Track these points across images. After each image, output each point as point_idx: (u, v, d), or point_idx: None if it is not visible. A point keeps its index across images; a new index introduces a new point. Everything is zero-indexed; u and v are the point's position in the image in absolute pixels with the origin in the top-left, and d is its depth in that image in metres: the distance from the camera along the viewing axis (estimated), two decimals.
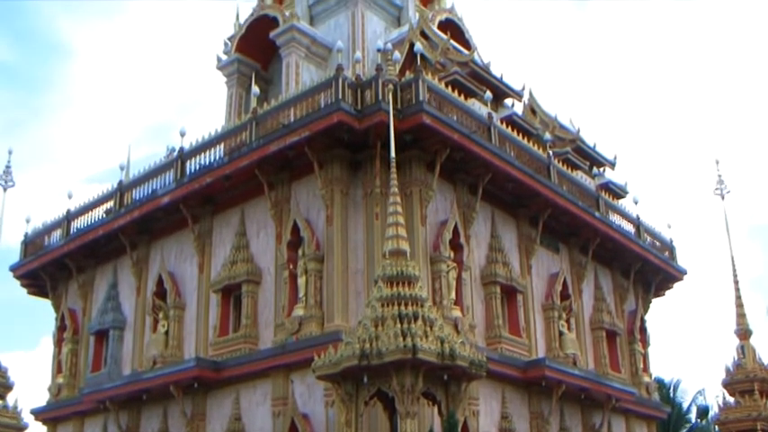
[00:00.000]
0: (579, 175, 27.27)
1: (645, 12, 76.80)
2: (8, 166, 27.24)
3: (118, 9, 77.87)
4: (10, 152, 27.61)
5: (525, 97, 28.82)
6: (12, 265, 28.88)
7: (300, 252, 20.82)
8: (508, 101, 28.09)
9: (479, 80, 25.40)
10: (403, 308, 15.70)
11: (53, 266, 27.91)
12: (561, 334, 24.43)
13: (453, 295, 20.69)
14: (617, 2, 79.78)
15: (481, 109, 23.38)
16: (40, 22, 76.15)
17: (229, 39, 30.53)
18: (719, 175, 27.77)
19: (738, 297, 28.55)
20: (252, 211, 22.75)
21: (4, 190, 27.40)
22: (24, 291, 29.83)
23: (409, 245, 16.88)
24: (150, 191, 24.53)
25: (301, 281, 20.56)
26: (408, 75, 21.07)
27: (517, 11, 79.35)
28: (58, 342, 27.87)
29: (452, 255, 21.12)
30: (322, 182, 20.53)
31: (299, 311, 20.21)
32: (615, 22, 78.58)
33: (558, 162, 25.89)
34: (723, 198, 29.75)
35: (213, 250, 23.58)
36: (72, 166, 76.15)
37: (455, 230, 21.33)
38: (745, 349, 28.19)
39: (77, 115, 76.29)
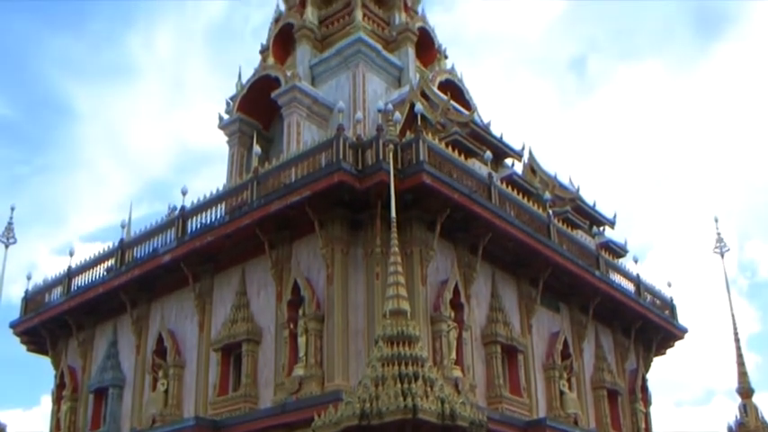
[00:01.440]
0: (579, 234, 27.36)
1: (644, 72, 77.54)
2: (10, 223, 27.24)
3: (121, 69, 78.58)
4: (12, 209, 27.66)
5: (525, 157, 29.05)
6: (12, 321, 28.87)
7: (301, 311, 20.84)
8: (508, 160, 28.30)
9: (479, 140, 25.62)
10: (403, 368, 15.64)
11: (53, 324, 27.89)
12: (562, 393, 24.33)
13: (454, 355, 20.66)
14: (616, 62, 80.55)
15: (481, 169, 23.56)
16: (43, 81, 76.78)
17: (231, 98, 30.86)
18: (719, 233, 27.76)
19: (740, 355, 28.40)
20: (252, 270, 22.80)
21: (6, 247, 27.36)
22: (24, 348, 29.78)
23: (410, 304, 16.86)
24: (151, 249, 24.62)
25: (302, 340, 20.55)
26: (409, 135, 21.26)
27: (516, 72, 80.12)
28: (57, 400, 27.74)
29: (453, 314, 21.13)
30: (323, 241, 20.63)
31: (299, 371, 20.17)
32: (614, 82, 79.28)
33: (558, 221, 26.00)
34: (723, 256, 29.70)
35: (213, 309, 23.59)
36: (73, 224, 76.26)
37: (456, 290, 21.37)
38: (747, 408, 28.00)
39: (79, 173, 76.63)
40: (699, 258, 71.60)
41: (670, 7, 75.72)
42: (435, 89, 28.29)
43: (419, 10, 34.18)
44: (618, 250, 29.97)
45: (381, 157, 20.02)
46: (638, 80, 77.19)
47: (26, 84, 76.59)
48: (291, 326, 20.96)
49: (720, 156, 77.54)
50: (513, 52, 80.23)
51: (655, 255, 69.80)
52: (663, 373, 64.16)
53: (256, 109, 30.13)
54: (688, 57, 79.76)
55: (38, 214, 74.14)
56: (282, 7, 33.86)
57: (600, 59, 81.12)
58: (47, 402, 55.27)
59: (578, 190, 29.05)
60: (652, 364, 30.62)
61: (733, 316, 27.27)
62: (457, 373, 20.41)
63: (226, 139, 30.53)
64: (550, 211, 25.42)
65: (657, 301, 30.12)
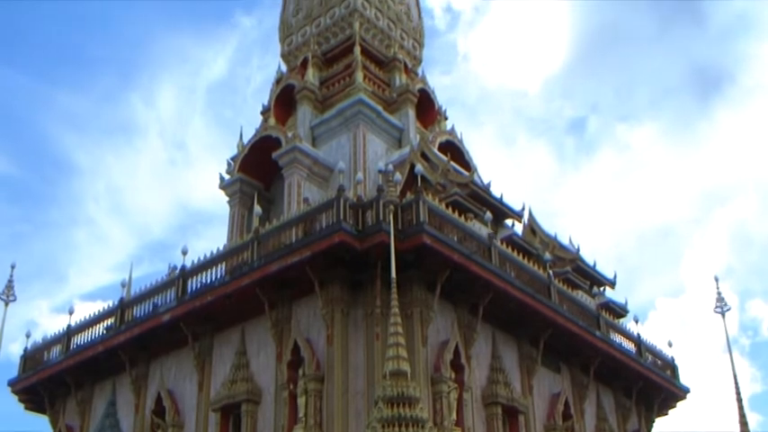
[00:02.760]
0: (579, 295, 27.36)
1: (644, 133, 78.08)
2: (10, 281, 27.22)
3: (123, 127, 79.21)
4: (12, 266, 27.66)
5: (525, 217, 29.17)
6: (10, 379, 28.71)
7: (301, 372, 20.77)
8: (508, 221, 28.41)
9: (479, 201, 25.75)
10: (404, 429, 15.62)
11: (52, 382, 27.74)
12: None
13: (454, 416, 20.54)
14: (615, 123, 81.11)
15: (481, 229, 23.65)
16: (45, 138, 77.39)
17: (232, 158, 31.07)
18: (719, 293, 27.74)
19: (742, 415, 28.20)
20: (252, 330, 22.77)
21: (6, 304, 27.33)
22: (22, 406, 29.57)
23: (410, 365, 16.87)
24: (151, 308, 24.60)
25: (301, 401, 20.45)
26: (409, 196, 21.39)
27: (516, 132, 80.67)
28: None
29: (453, 375, 21.05)
30: (323, 302, 20.64)
31: None
32: (614, 142, 79.81)
33: (559, 282, 26.01)
34: (723, 316, 29.64)
35: (213, 368, 23.50)
36: (74, 282, 76.18)
37: (456, 351, 21.33)
38: None
39: (80, 230, 76.76)
40: (700, 318, 71.41)
41: (669, 67, 76.56)
42: (435, 150, 28.52)
43: (419, 72, 34.63)
44: (618, 310, 29.94)
45: (382, 217, 20.14)
46: (637, 140, 77.73)
47: (28, 141, 77.20)
48: (291, 386, 20.88)
49: (721, 215, 77.77)
50: (512, 113, 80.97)
51: (656, 315, 69.65)
52: None
53: (257, 169, 30.32)
54: (687, 117, 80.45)
55: (38, 272, 74.16)
56: (284, 68, 34.31)
57: (599, 120, 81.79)
58: None
59: (578, 250, 29.12)
60: (654, 424, 30.39)
61: (735, 376, 27.13)
62: None
63: (227, 199, 30.69)
64: (551, 272, 25.45)
65: (659, 362, 30.00)
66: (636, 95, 79.43)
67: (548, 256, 26.22)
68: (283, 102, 32.24)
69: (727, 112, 79.06)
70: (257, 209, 23.96)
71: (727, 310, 28.95)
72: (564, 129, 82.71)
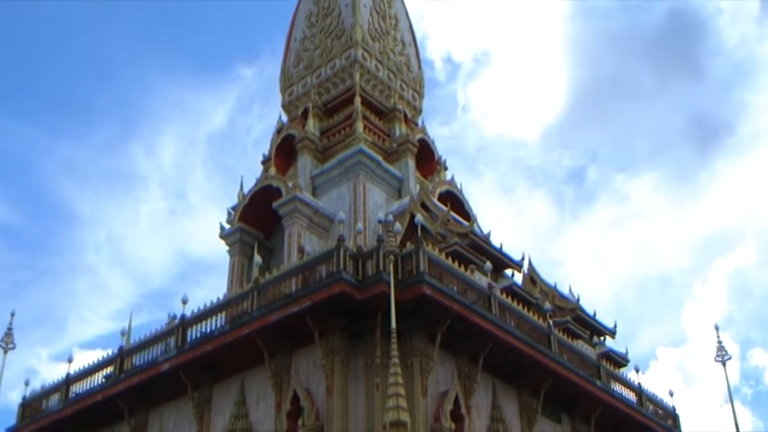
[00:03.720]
0: (580, 345, 27.31)
1: (643, 183, 78.40)
2: (9, 328, 27.24)
3: (123, 176, 79.53)
4: (12, 314, 27.68)
5: (525, 267, 29.23)
6: (9, 428, 28.49)
7: (300, 422, 20.67)
8: (508, 271, 28.43)
9: (479, 251, 25.82)
10: None
11: (50, 431, 27.57)
12: None
13: None
14: (614, 173, 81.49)
15: (481, 279, 23.69)
16: (46, 186, 77.73)
17: (233, 208, 31.20)
18: (720, 342, 27.75)
19: None
20: (252, 380, 22.70)
21: (5, 352, 27.32)
22: None
23: (410, 416, 16.82)
24: (151, 357, 24.54)
25: None
26: (409, 246, 21.46)
27: (515, 182, 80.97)
28: None
29: (453, 426, 20.93)
30: (322, 351, 20.61)
31: None
32: (613, 192, 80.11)
33: (559, 331, 25.98)
34: (724, 365, 29.60)
35: (212, 418, 23.38)
36: (73, 330, 76.00)
37: (456, 401, 21.24)
38: None
39: (80, 279, 76.76)
40: (701, 367, 71.20)
41: (668, 118, 77.05)
42: (435, 200, 28.66)
43: (419, 122, 34.93)
44: (619, 360, 29.87)
45: (382, 267, 20.19)
46: (637, 191, 78.00)
47: (29, 189, 77.50)
48: None
49: (721, 264, 77.82)
50: (511, 163, 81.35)
51: (656, 364, 69.44)
52: None
53: (257, 219, 30.44)
54: (686, 168, 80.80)
55: (37, 320, 74.02)
56: (284, 118, 34.60)
57: (598, 170, 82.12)
58: None
59: (578, 300, 29.15)
60: None
61: (737, 426, 27.02)
62: None
63: (227, 248, 30.76)
64: (551, 322, 25.44)
65: (660, 411, 29.85)
66: (635, 146, 79.93)
67: (548, 305, 26.24)
68: (284, 152, 32.47)
69: (726, 162, 79.53)
70: (257, 258, 24.02)
71: (728, 359, 28.92)
72: (563, 179, 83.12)
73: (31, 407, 28.44)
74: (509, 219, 70.77)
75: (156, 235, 79.90)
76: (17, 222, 77.14)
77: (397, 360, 17.02)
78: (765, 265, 75.90)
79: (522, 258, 28.90)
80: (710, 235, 77.77)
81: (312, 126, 32.31)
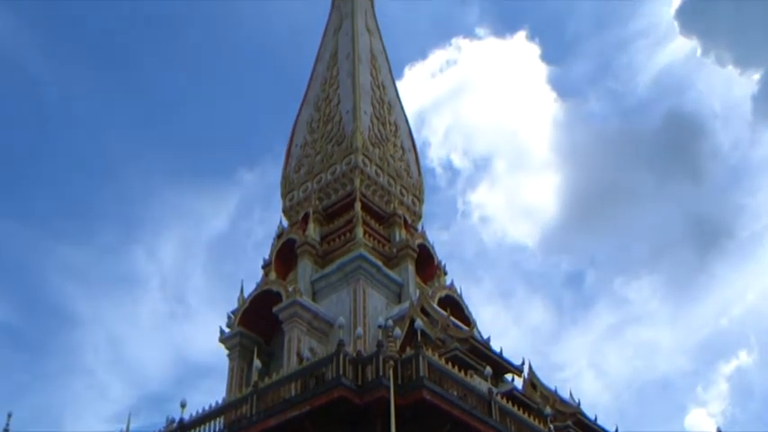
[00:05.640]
0: None
1: (642, 286, 78.48)
2: (6, 429, 27.05)
3: (124, 278, 79.54)
4: (9, 415, 27.51)
5: (525, 372, 29.00)
6: None
7: None
8: (508, 375, 28.28)
9: (479, 356, 25.75)
10: None
11: None
12: None
13: None
14: (613, 277, 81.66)
15: (482, 384, 23.56)
16: (47, 288, 77.57)
17: (233, 312, 31.20)
18: None
19: None
20: None
21: None
22: None
23: None
24: None
25: None
26: (409, 351, 21.46)
27: (514, 286, 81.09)
28: None
29: None
30: None
31: None
32: (612, 295, 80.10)
33: None
34: None
35: None
36: None
37: None
38: None
39: (78, 380, 76.10)
40: None
41: (667, 222, 77.34)
42: (435, 305, 28.67)
43: (419, 227, 35.19)
44: None
45: (381, 372, 20.16)
46: (635, 294, 77.96)
47: (30, 290, 77.36)
48: None
49: (722, 367, 77.39)
50: (510, 267, 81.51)
51: None
52: None
53: (257, 323, 30.40)
54: (686, 271, 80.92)
55: (35, 421, 72.75)
56: (285, 223, 34.87)
57: (597, 274, 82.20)
58: None
59: (579, 404, 28.88)
60: None
61: None
62: None
63: (226, 352, 30.64)
64: (551, 426, 25.20)
65: None
66: (633, 249, 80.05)
67: (548, 410, 26.01)
68: (284, 256, 32.62)
69: (726, 264, 79.60)
70: (257, 363, 23.97)
71: None
72: (562, 283, 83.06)
73: None
74: (509, 323, 70.54)
75: (155, 338, 79.50)
76: (17, 323, 76.85)
77: None
78: (766, 367, 75.39)
79: (522, 363, 28.77)
80: (711, 338, 77.41)
81: (312, 231, 32.55)
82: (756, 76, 77.40)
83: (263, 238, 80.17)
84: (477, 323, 30.63)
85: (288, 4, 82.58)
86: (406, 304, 29.29)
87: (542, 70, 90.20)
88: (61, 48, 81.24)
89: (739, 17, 71.53)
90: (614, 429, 30.31)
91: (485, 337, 28.63)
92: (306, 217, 33.67)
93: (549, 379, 29.77)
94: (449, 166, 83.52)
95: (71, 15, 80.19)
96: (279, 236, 33.90)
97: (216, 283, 77.76)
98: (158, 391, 76.27)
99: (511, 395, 25.84)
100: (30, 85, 79.43)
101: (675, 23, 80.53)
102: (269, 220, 61.60)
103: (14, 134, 78.55)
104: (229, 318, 31.27)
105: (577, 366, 72.95)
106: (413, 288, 30.96)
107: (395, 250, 32.19)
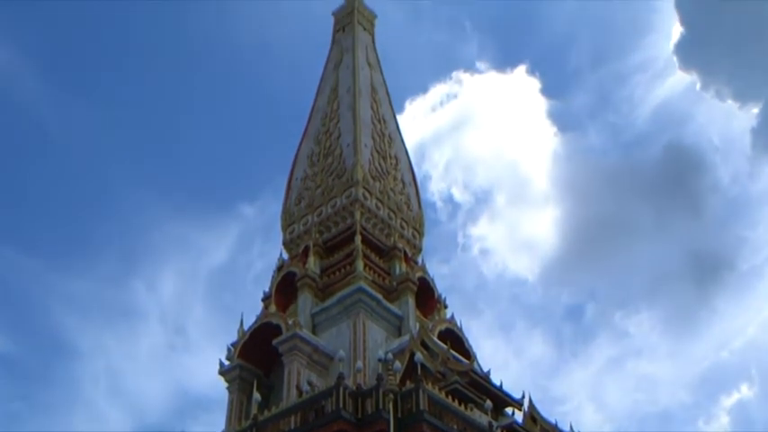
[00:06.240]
0: None
1: (642, 321, 78.38)
2: None
3: (124, 310, 79.63)
4: None
5: (525, 405, 28.90)
6: None
7: None
8: (509, 409, 28.17)
9: (480, 389, 25.69)
10: None
11: None
12: None
13: None
14: (613, 311, 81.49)
15: (482, 418, 23.51)
16: (47, 319, 77.46)
17: (233, 344, 31.14)
18: None
19: None
20: None
21: None
22: None
23: None
24: None
25: None
26: (409, 384, 21.44)
27: (514, 320, 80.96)
28: None
29: None
30: None
31: None
32: (612, 329, 79.95)
33: None
34: None
35: None
36: None
37: None
38: None
39: (77, 412, 75.74)
40: None
41: (667, 256, 77.29)
42: (435, 338, 28.65)
43: (419, 260, 35.19)
44: None
45: (381, 406, 20.14)
46: (636, 327, 77.81)
47: (30, 321, 77.33)
48: None
49: (723, 400, 77.11)
50: (510, 300, 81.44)
51: None
52: None
53: (257, 355, 30.34)
54: (686, 304, 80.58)
55: None
56: (285, 256, 34.89)
57: (597, 307, 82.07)
58: None
59: None
60: None
61: None
62: None
63: (226, 384, 30.55)
64: None
65: None
66: (633, 283, 79.97)
67: None
68: (284, 289, 32.62)
69: (726, 297, 79.47)
70: (256, 395, 23.92)
71: None
72: (562, 316, 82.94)
73: None
74: (509, 356, 70.28)
75: (154, 370, 79.27)
76: (16, 353, 76.67)
77: None
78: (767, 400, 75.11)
79: (523, 396, 28.67)
80: (712, 371, 77.14)
81: (313, 264, 32.57)
82: (755, 110, 77.55)
83: (262, 271, 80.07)
84: (478, 356, 30.60)
85: (289, 39, 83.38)
86: (406, 337, 29.27)
87: (542, 104, 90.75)
88: (62, 79, 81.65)
89: (738, 52, 71.96)
90: None
91: (485, 370, 28.61)
92: (306, 250, 33.71)
93: (549, 412, 29.70)
94: (449, 200, 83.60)
95: (71, 47, 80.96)
96: (279, 268, 33.92)
97: (216, 315, 77.66)
98: (158, 422, 75.82)
99: (511, 429, 25.79)
100: (30, 115, 79.80)
101: (674, 58, 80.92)
102: (269, 254, 61.70)
103: (15, 165, 78.81)
104: (229, 350, 31.21)
105: (578, 399, 72.72)
106: (413, 321, 30.93)
107: (395, 283, 32.19)
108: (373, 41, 42.88)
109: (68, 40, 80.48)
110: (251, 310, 32.60)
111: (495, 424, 23.76)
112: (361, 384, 21.79)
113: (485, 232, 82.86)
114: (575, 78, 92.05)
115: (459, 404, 22.66)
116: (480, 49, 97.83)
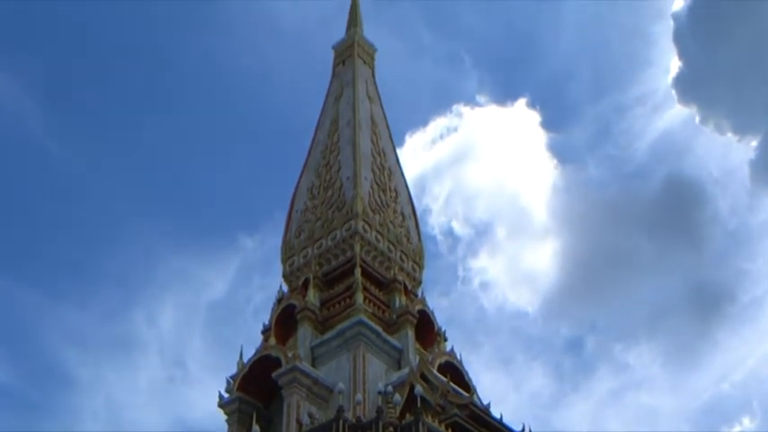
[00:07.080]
0: None
1: (642, 353, 78.22)
2: None
3: (123, 342, 79.39)
4: None
5: None
6: None
7: None
8: None
9: (480, 422, 25.64)
10: None
11: None
12: None
13: None
14: (613, 344, 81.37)
15: None
16: (45, 350, 77.32)
17: (232, 377, 31.12)
18: None
19: None
20: None
21: None
22: None
23: None
24: None
25: None
26: (409, 417, 21.44)
27: (514, 352, 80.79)
28: None
29: None
30: None
31: None
32: (612, 362, 79.83)
33: None
34: None
35: None
36: None
37: None
38: None
39: None
40: None
41: (667, 288, 77.20)
42: (435, 371, 28.59)
43: (419, 293, 35.22)
44: None
45: None
46: (636, 360, 77.62)
47: (28, 352, 77.01)
48: None
49: None
50: (510, 333, 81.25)
51: None
52: None
53: (257, 388, 30.32)
54: (686, 337, 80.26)
55: None
56: (285, 288, 34.91)
57: (597, 340, 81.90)
58: None
59: None
60: None
61: None
62: None
63: (225, 417, 30.51)
64: None
65: None
66: (634, 315, 79.76)
67: None
68: (284, 321, 32.62)
69: (727, 330, 79.18)
70: (255, 428, 23.91)
71: None
72: (562, 348, 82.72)
73: None
74: (509, 389, 70.02)
75: (153, 402, 78.85)
76: (15, 385, 76.37)
77: None
78: None
79: (523, 429, 28.46)
80: (713, 403, 76.77)
81: (312, 296, 32.59)
82: (754, 143, 77.71)
83: (262, 304, 79.91)
84: (478, 389, 30.53)
85: (288, 73, 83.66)
86: (405, 370, 29.23)
87: (542, 137, 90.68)
88: (64, 111, 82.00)
89: (736, 85, 72.31)
90: None
91: (485, 403, 28.54)
92: (306, 282, 33.74)
93: None
94: (449, 233, 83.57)
95: (73, 80, 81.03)
96: (279, 301, 33.94)
97: (215, 347, 77.41)
98: None
99: None
100: (30, 147, 79.92)
101: (673, 91, 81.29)
102: (268, 286, 61.35)
103: (14, 195, 78.97)
104: (228, 383, 31.18)
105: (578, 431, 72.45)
106: (412, 354, 30.90)
107: (395, 316, 32.19)
108: (373, 75, 43.11)
109: (67, 71, 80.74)
110: (250, 343, 32.61)
111: None
112: (360, 417, 21.76)
113: (485, 265, 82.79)
114: (574, 111, 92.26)
115: None
116: (480, 83, 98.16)
